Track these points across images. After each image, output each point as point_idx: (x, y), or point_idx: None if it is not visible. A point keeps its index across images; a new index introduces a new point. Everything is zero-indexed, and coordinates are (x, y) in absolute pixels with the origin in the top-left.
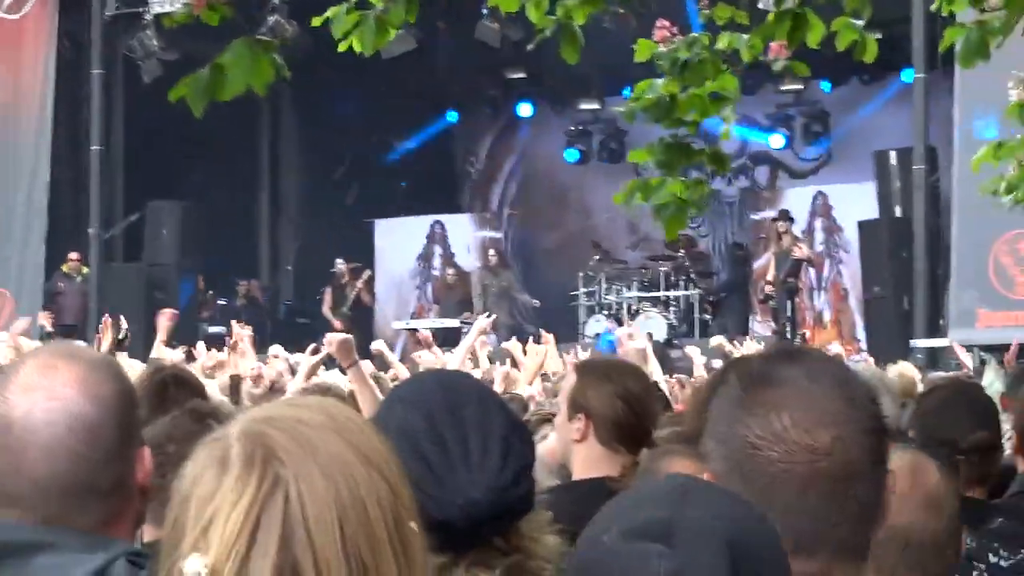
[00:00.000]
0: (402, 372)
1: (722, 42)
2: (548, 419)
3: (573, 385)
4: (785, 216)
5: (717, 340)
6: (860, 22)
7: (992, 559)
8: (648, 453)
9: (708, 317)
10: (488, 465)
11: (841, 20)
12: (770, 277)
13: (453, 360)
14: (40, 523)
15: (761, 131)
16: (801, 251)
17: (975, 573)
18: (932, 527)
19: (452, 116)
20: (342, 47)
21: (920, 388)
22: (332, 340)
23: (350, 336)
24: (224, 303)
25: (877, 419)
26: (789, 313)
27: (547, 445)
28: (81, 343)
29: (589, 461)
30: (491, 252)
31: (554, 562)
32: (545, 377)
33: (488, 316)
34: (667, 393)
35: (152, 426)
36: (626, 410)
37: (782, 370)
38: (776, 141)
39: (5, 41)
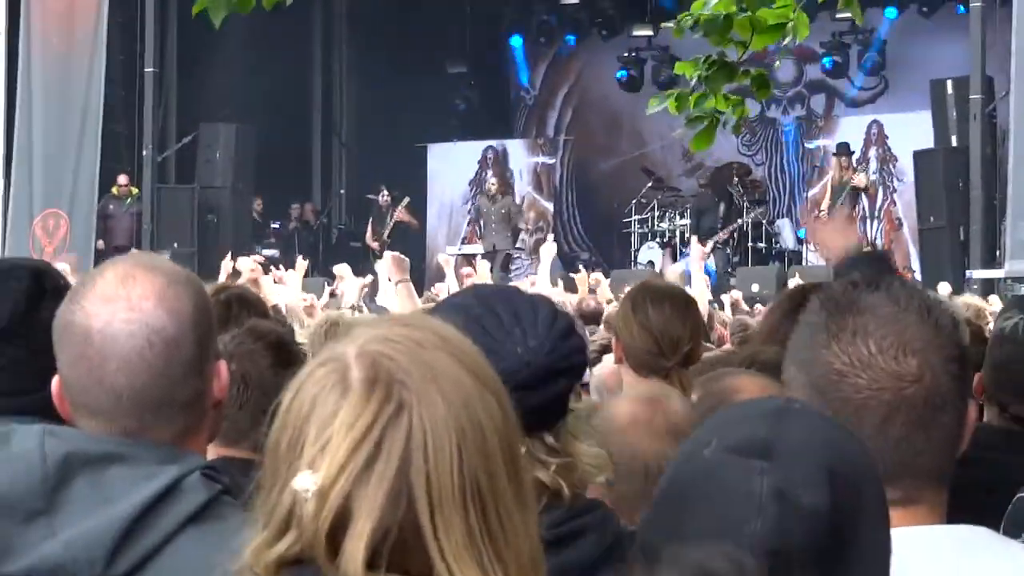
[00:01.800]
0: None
1: None
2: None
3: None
4: (844, 150)
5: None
6: None
7: None
8: (705, 377)
9: (762, 245)
10: (541, 319)
11: None
12: (824, 206)
13: (541, 286)
14: (119, 435)
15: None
16: (859, 180)
17: None
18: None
19: (515, 41)
20: None
21: (990, 320)
22: (388, 256)
23: (403, 256)
24: (277, 226)
25: (960, 347)
26: None
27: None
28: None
29: (629, 385)
30: (491, 179)
31: (603, 469)
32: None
33: (547, 240)
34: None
35: None
36: (645, 339)
37: (867, 297)
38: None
39: None
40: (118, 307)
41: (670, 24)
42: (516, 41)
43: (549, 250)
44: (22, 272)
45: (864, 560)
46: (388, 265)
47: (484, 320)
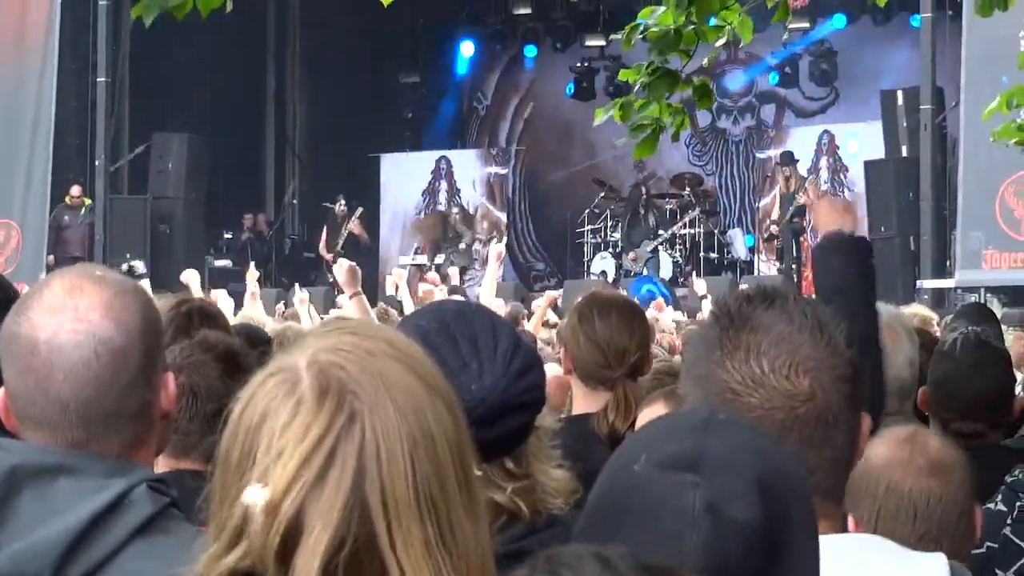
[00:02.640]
0: (410, 309)
1: None
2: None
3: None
4: (788, 160)
5: None
6: None
7: None
8: (668, 389)
9: (714, 255)
10: (499, 354)
11: None
12: (775, 216)
13: (485, 291)
14: (65, 446)
15: None
16: (807, 196)
17: None
18: (938, 492)
19: (463, 52)
20: None
21: (936, 330)
22: (342, 265)
23: (356, 266)
24: (229, 236)
25: (853, 364)
26: (795, 253)
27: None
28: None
29: (578, 396)
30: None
31: (565, 497)
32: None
33: (499, 241)
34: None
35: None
36: (592, 350)
37: (761, 315)
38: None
39: None
40: (64, 318)
41: (618, 36)
42: (464, 52)
43: (496, 251)
44: None
45: (796, 570)
46: (340, 276)
47: (442, 351)
